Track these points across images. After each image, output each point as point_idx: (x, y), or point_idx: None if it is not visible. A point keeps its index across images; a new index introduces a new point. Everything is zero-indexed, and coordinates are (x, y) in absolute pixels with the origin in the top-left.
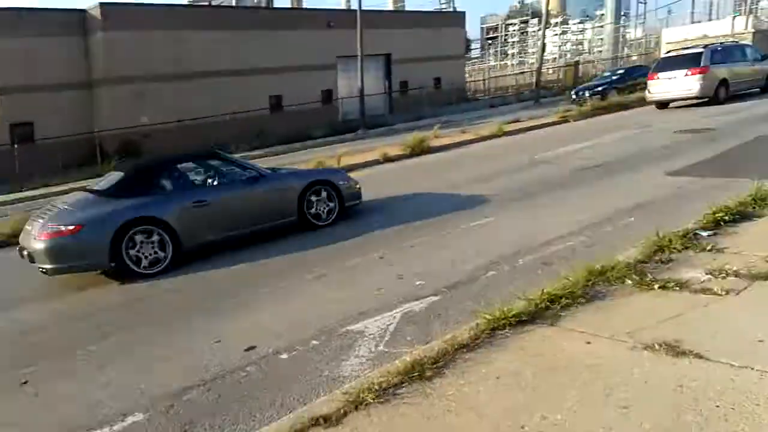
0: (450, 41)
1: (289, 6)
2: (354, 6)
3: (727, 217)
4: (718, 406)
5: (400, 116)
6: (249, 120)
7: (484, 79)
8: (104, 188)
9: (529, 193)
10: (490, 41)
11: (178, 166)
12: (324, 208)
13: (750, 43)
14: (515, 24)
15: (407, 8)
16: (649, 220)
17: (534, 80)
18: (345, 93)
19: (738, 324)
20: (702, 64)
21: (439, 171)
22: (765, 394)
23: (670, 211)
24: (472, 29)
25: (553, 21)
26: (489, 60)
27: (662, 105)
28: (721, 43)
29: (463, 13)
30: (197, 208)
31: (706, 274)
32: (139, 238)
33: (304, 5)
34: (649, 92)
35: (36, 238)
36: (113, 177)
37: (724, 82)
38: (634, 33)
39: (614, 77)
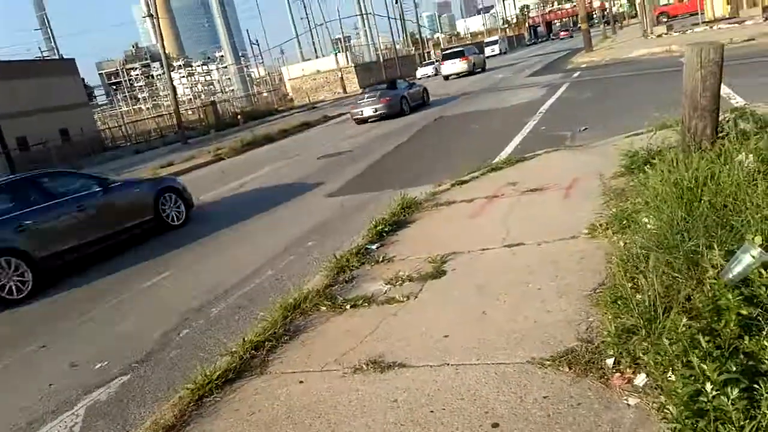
0: (67, 89)
1: None
2: None
3: (387, 228)
4: (432, 412)
5: None
6: None
7: (120, 126)
8: (384, 88)
9: (201, 238)
10: (114, 87)
11: (397, 81)
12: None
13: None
14: (137, 68)
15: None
16: (325, 243)
17: (176, 122)
18: None
19: (425, 325)
20: (465, 55)
21: None
22: (465, 387)
23: (341, 230)
24: (90, 76)
25: (176, 63)
26: (120, 105)
27: (447, 78)
28: (468, 45)
29: (73, 59)
30: (410, 93)
31: (386, 284)
32: (406, 99)
33: None
34: (441, 72)
35: (379, 104)
36: (381, 85)
37: (474, 64)
38: (257, 72)
39: None
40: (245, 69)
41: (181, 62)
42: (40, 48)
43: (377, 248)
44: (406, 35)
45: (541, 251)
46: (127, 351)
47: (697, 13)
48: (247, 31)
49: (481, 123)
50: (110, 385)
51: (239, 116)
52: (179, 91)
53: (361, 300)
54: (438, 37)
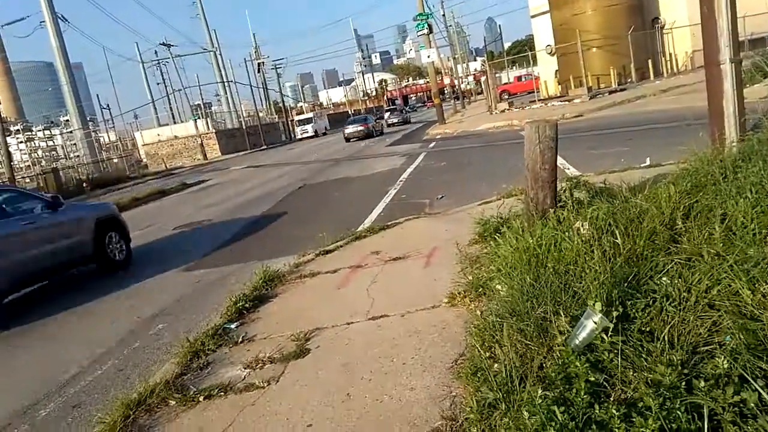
0: None
1: None
2: None
3: (247, 305)
4: None
5: None
6: None
7: None
8: (364, 117)
9: (29, 325)
10: None
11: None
12: None
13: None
14: None
15: None
16: (179, 324)
17: None
18: None
19: (286, 414)
20: (366, 122)
21: None
22: None
23: (196, 309)
24: None
25: (13, 128)
26: None
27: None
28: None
29: None
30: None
31: (245, 368)
32: (381, 122)
33: None
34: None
35: (358, 128)
36: (361, 115)
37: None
38: (107, 137)
39: None
40: (93, 134)
41: (19, 126)
42: None
43: (237, 327)
44: (269, 103)
45: (404, 322)
46: None
47: (533, 92)
48: (98, 95)
49: (344, 191)
50: None
51: (86, 184)
52: (16, 157)
53: (216, 389)
54: (301, 106)
